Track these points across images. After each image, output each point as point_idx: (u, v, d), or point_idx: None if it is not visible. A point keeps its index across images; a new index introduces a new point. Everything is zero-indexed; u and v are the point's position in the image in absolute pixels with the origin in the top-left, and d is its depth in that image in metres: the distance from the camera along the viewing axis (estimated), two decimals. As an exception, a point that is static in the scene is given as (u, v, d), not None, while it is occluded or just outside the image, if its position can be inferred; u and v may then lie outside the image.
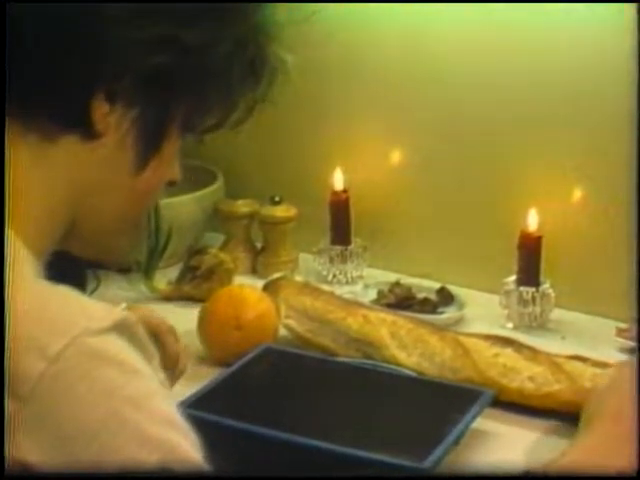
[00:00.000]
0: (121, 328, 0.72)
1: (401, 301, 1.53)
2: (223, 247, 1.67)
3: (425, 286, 1.57)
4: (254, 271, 1.68)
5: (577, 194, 1.48)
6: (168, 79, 0.79)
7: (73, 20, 0.75)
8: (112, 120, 0.79)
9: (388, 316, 1.37)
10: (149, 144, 0.82)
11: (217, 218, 1.72)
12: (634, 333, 1.38)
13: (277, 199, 1.66)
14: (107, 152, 0.80)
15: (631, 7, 1.31)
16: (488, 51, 1.50)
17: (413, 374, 1.29)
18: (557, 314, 1.49)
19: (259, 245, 1.71)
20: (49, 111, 0.77)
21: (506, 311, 1.49)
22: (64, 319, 0.70)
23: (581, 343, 1.41)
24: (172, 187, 0.90)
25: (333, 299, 1.42)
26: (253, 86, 0.84)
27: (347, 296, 1.49)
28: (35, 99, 0.77)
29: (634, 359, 1.14)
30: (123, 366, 0.71)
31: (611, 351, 1.38)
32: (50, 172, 0.79)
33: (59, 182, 0.80)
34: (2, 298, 0.69)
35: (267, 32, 0.84)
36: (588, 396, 1.11)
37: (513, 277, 1.48)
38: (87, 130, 0.78)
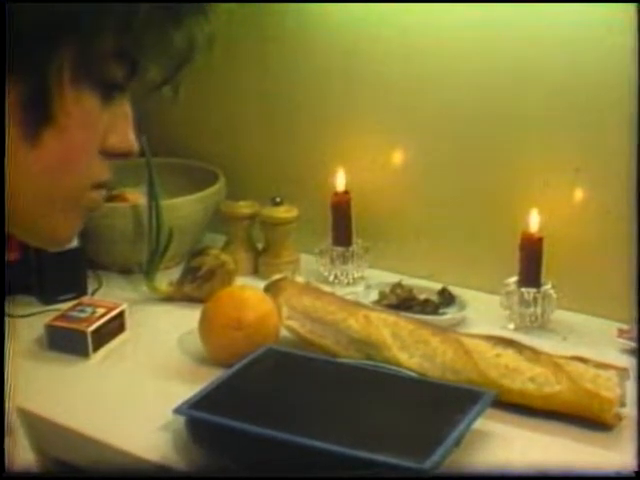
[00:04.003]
0: None
1: (402, 302, 1.53)
2: (224, 248, 1.67)
3: (426, 287, 1.57)
4: (255, 272, 1.68)
5: (578, 195, 1.48)
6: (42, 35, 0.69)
7: None
8: None
9: (389, 317, 1.37)
10: (34, 111, 0.71)
11: (218, 219, 1.72)
12: (635, 334, 1.38)
13: (278, 200, 1.66)
14: None
15: (631, 7, 1.31)
16: (488, 52, 1.50)
17: (414, 375, 1.29)
18: (558, 315, 1.48)
19: (260, 246, 1.71)
20: None
21: (507, 312, 1.49)
22: None
23: (582, 344, 1.41)
24: (126, 158, 0.79)
25: (334, 300, 1.42)
26: (164, 49, 0.73)
27: (348, 297, 1.49)
28: None
29: None
30: None
31: (612, 352, 1.38)
32: None
33: None
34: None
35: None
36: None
37: (514, 278, 1.48)
38: None
